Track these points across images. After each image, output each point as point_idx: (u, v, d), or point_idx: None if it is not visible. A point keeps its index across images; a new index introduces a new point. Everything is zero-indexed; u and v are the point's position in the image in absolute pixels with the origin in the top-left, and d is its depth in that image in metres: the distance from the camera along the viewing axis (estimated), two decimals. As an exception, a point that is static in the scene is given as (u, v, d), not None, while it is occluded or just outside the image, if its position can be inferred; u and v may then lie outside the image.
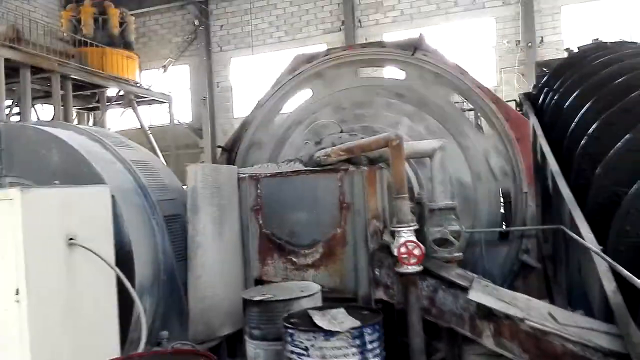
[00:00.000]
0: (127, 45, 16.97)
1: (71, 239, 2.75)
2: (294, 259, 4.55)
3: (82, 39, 15.44)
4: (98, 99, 16.88)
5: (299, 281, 4.36)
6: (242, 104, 19.61)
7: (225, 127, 19.15)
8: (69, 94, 14.28)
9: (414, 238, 3.88)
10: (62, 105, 14.21)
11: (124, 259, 3.51)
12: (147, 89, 17.40)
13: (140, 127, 17.13)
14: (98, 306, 2.90)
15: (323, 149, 4.70)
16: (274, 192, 4.63)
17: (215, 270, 4.31)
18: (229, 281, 4.44)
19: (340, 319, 2.83)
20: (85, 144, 4.26)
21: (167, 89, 18.66)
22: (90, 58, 15.30)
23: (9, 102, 14.27)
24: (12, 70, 12.70)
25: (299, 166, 4.68)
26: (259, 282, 4.61)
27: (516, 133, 5.46)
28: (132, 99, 16.83)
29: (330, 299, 3.97)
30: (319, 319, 2.79)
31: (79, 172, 3.92)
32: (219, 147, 7.22)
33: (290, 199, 4.58)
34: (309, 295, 3.60)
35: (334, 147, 4.53)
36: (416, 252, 3.79)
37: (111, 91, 16.73)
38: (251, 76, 19.13)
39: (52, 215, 2.67)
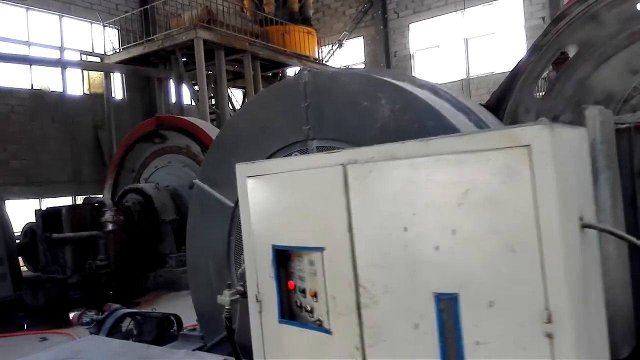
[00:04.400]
0: (306, 21, 16.42)
1: (581, 217, 1.55)
2: None
3: (267, 16, 15.15)
4: (280, 77, 16.58)
5: None
6: (422, 72, 18.14)
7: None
8: (257, 73, 14.02)
9: None
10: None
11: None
12: (326, 65, 16.72)
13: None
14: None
15: None
16: (682, 147, 3.09)
17: (616, 264, 2.93)
18: (626, 279, 3.04)
19: None
20: (417, 90, 3.14)
21: (344, 62, 17.91)
22: (272, 36, 14.95)
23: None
24: (206, 52, 12.62)
25: None
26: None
27: None
28: (311, 75, 16.29)
29: None
30: None
31: (421, 127, 2.79)
32: (481, 105, 5.81)
33: None
34: None
35: None
36: None
37: (290, 69, 16.35)
38: (432, 41, 17.52)
39: (572, 174, 1.47)
